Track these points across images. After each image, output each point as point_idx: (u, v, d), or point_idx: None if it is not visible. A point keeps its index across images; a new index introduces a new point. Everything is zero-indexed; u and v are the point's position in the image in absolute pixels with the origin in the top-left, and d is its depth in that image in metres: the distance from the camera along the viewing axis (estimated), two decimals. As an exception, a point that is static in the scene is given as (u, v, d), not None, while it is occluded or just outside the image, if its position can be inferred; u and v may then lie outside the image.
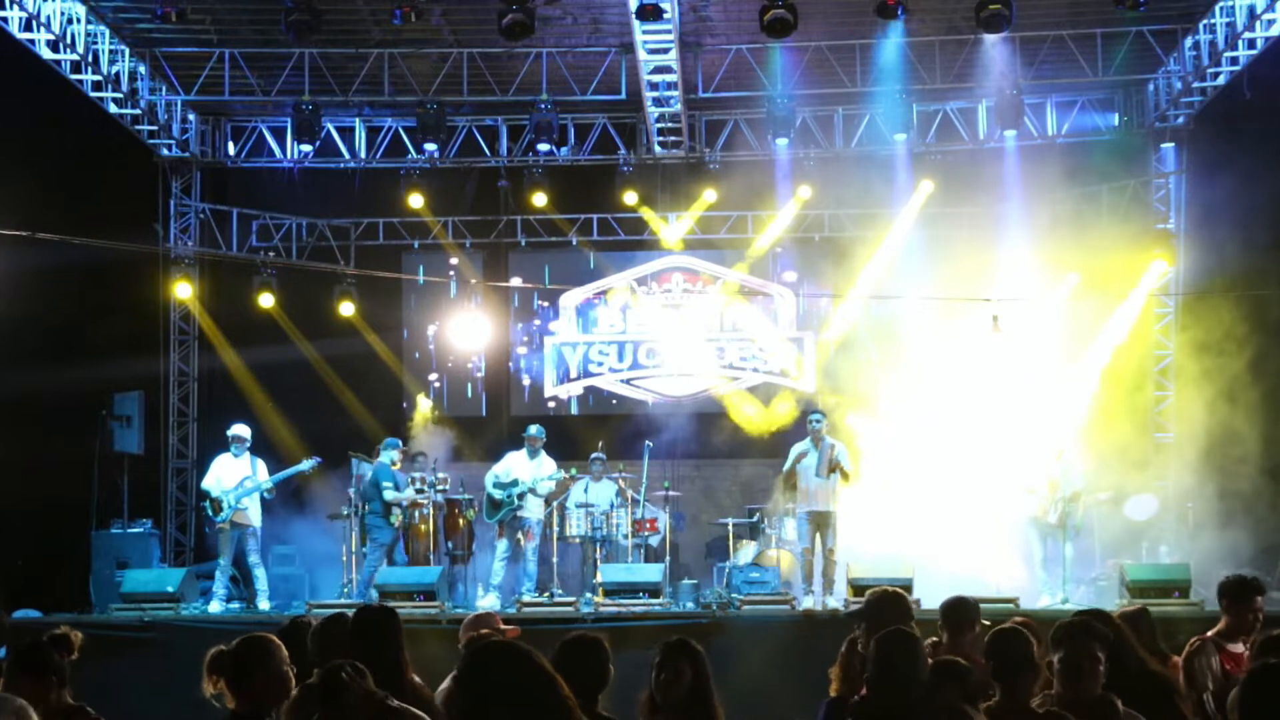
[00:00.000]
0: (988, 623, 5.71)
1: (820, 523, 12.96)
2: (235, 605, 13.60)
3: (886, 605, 5.62)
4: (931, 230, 16.83)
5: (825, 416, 13.34)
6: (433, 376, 18.09)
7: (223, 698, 4.78)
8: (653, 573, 12.97)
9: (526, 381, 18.20)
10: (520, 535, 13.70)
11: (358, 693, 4.28)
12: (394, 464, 13.88)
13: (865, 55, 15.50)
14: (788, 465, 13.15)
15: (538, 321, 18.32)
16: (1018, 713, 4.61)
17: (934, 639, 5.89)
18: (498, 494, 13.75)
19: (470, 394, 18.29)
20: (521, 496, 13.68)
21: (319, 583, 14.80)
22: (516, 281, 18.05)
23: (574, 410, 18.12)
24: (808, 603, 12.68)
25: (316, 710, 4.30)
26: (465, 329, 18.00)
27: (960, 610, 6.07)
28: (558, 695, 3.39)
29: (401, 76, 15.88)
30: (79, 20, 13.84)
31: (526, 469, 13.84)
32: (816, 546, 12.99)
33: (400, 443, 14.52)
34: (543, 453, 13.99)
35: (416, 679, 5.44)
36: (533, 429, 14.13)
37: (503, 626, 6.46)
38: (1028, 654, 4.76)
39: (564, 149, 16.81)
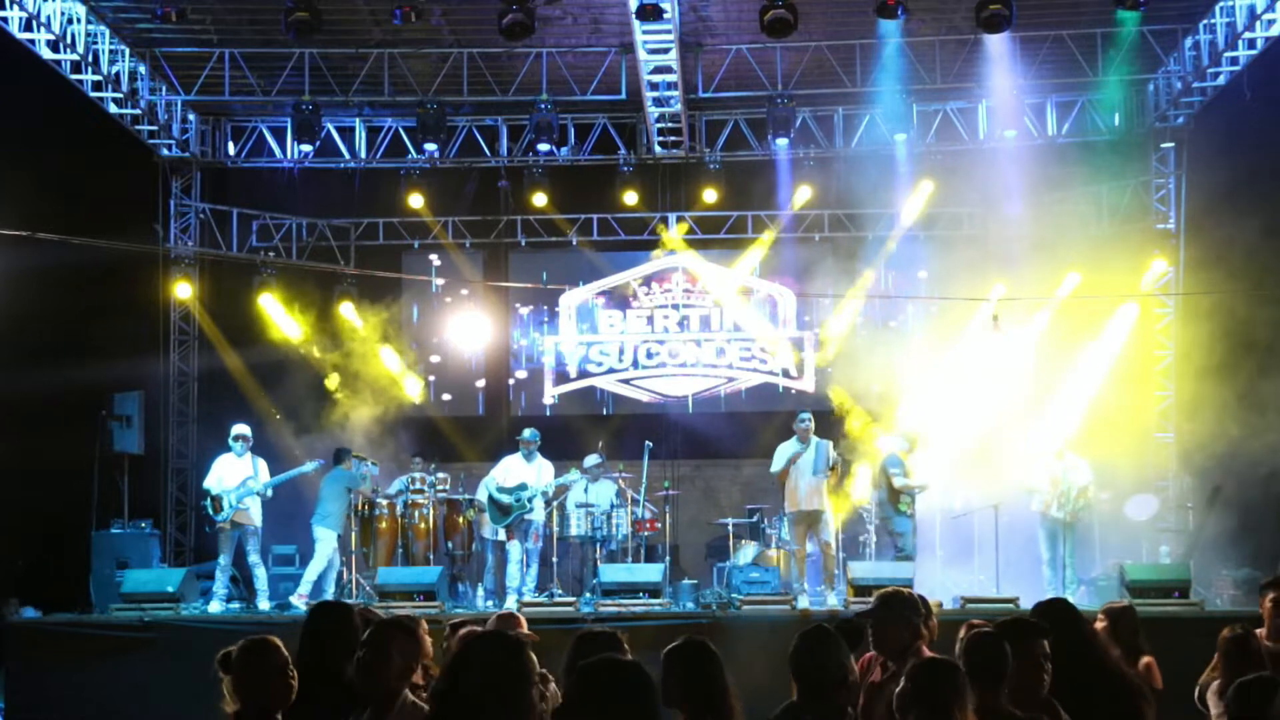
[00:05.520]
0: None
1: (811, 522, 13.03)
2: (235, 605, 13.61)
3: (901, 605, 5.63)
4: (931, 230, 16.84)
5: (812, 416, 13.33)
6: (432, 377, 18.07)
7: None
8: (653, 573, 12.97)
9: (526, 381, 18.19)
10: (529, 537, 13.74)
11: None
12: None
13: (865, 55, 15.49)
14: (779, 465, 13.12)
15: (541, 314, 18.28)
16: (995, 715, 4.62)
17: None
18: (505, 499, 13.72)
19: (469, 394, 18.27)
20: (532, 500, 13.71)
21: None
22: (516, 282, 18.02)
23: (574, 410, 18.10)
24: (803, 602, 12.69)
25: None
26: (465, 329, 18.00)
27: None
28: (527, 693, 3.52)
29: (401, 76, 15.88)
30: (79, 20, 13.84)
31: (528, 472, 13.85)
32: (807, 546, 13.02)
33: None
34: (538, 455, 13.99)
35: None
36: (527, 433, 14.12)
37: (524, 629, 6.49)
38: (1001, 656, 4.77)
39: (564, 149, 16.80)
